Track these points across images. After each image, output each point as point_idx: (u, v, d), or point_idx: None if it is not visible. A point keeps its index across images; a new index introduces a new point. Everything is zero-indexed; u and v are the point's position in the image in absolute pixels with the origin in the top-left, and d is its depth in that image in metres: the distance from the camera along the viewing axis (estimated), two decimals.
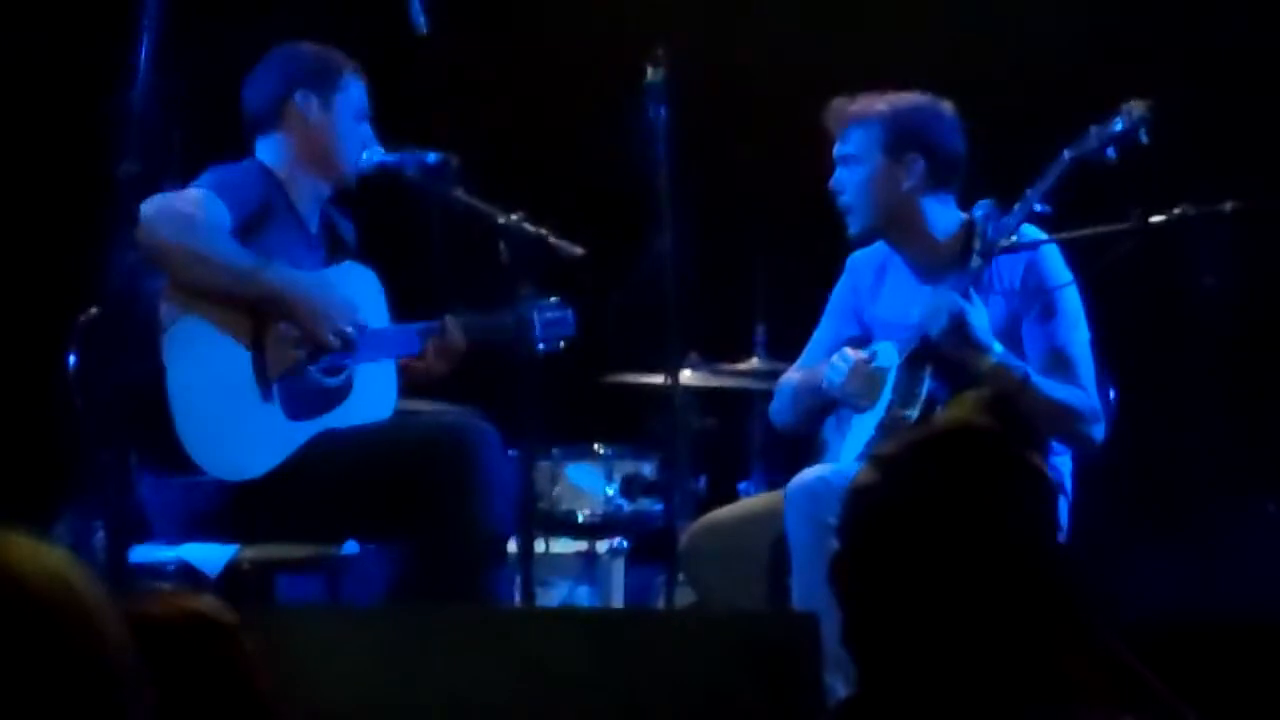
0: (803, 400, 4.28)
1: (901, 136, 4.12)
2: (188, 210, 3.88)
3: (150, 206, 3.77)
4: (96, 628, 1.34)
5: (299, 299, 3.96)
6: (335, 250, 4.22)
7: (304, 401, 4.00)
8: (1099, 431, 4.04)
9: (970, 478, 1.78)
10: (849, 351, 4.14)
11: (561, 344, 4.22)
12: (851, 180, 4.16)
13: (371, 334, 4.11)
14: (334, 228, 4.25)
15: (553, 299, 4.23)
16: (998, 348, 3.96)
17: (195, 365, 3.85)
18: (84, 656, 1.32)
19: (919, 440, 1.86)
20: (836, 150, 4.19)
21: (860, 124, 4.15)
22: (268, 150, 4.15)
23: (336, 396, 4.04)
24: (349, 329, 4.02)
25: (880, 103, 4.16)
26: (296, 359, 3.98)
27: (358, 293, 4.13)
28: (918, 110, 4.16)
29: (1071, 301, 4.07)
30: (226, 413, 3.89)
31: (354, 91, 4.16)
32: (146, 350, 3.79)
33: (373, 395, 4.11)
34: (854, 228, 4.19)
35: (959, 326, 3.94)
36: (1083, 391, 4.03)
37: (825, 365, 4.17)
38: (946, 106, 4.17)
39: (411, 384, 4.22)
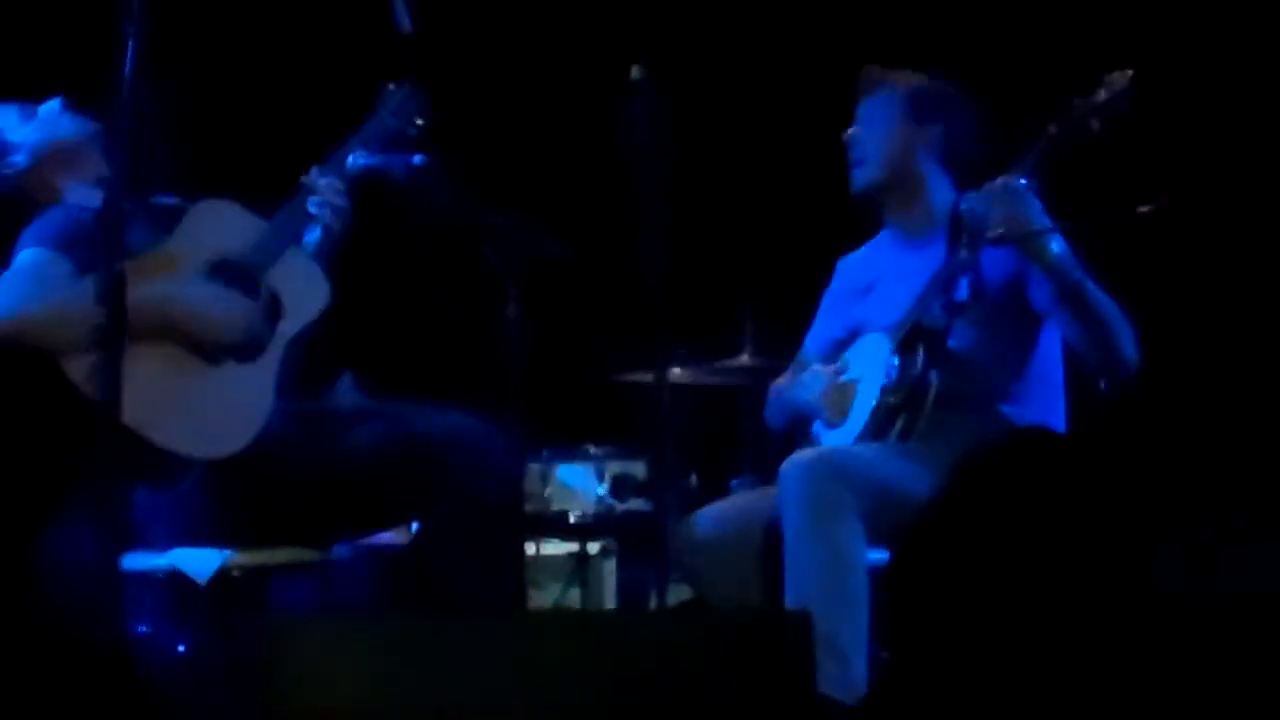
0: (791, 409, 4.29)
1: (925, 106, 4.18)
2: (18, 290, 3.77)
3: None
4: None
5: (177, 306, 3.83)
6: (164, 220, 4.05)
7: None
8: (1136, 354, 3.93)
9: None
10: (819, 369, 4.16)
11: (419, 122, 4.13)
12: (869, 134, 4.20)
13: (259, 241, 3.99)
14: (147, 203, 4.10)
15: (391, 85, 4.14)
16: (1059, 239, 3.87)
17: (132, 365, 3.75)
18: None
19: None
20: (860, 107, 4.24)
21: (889, 88, 4.22)
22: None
23: (271, 315, 3.92)
24: (251, 328, 3.87)
25: (912, 76, 4.23)
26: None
27: (219, 226, 3.99)
28: (946, 90, 4.22)
29: (1064, 243, 4.00)
30: (184, 395, 3.81)
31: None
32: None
33: (302, 290, 3.98)
34: (861, 181, 4.21)
35: (1021, 203, 3.86)
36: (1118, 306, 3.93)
37: (797, 383, 4.20)
38: (974, 100, 4.22)
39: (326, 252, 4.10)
